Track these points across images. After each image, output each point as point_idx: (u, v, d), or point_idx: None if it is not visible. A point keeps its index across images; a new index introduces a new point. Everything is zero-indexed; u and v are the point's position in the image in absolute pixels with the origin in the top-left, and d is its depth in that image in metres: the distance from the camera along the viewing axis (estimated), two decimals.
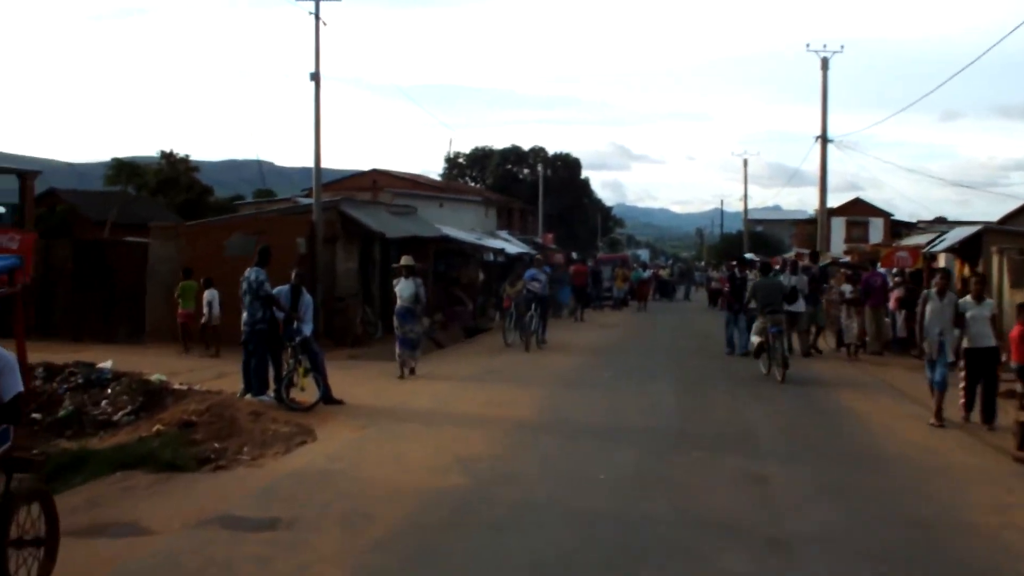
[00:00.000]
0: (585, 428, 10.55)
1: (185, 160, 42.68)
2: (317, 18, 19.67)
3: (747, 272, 19.73)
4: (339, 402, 11.74)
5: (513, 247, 29.58)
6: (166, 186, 40.23)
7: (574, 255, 42.62)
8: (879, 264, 22.72)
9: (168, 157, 42.21)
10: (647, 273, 43.77)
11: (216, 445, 9.24)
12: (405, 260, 14.63)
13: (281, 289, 11.97)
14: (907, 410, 12.13)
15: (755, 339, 15.52)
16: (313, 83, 19.90)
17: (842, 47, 39.34)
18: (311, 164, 19.91)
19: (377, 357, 17.00)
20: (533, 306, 18.87)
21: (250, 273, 11.70)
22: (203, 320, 17.72)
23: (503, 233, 34.20)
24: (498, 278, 27.00)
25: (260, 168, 32.09)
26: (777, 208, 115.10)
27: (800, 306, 17.06)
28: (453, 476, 8.06)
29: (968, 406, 10.98)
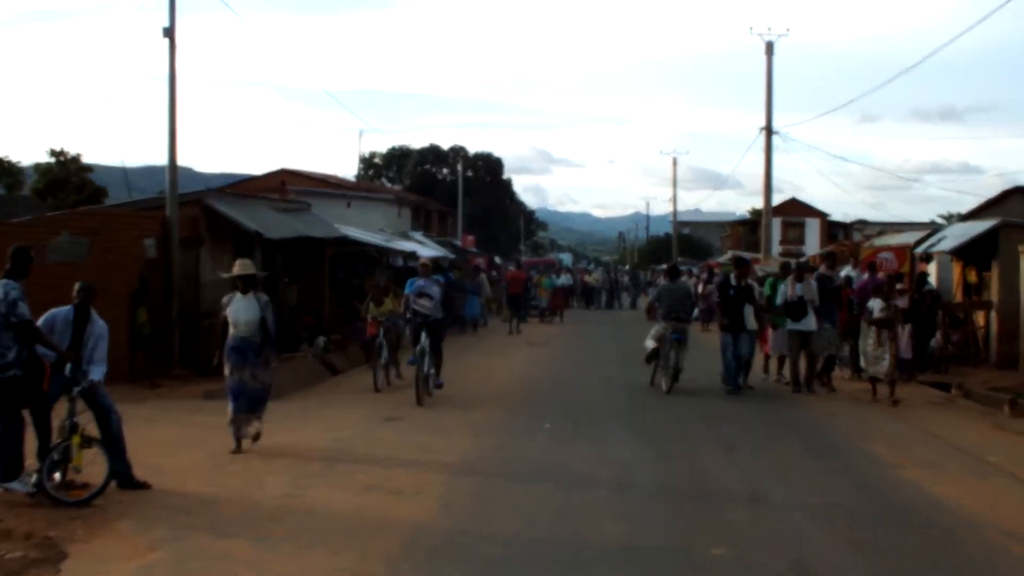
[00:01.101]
0: (518, 551, 6.11)
1: (76, 160, 38.02)
2: None
3: (743, 279, 14.03)
4: (142, 485, 7.59)
5: (428, 250, 25.60)
6: (54, 187, 35.53)
7: (496, 259, 38.91)
8: (861, 268, 19.50)
9: (58, 156, 37.43)
10: (562, 279, 40.14)
11: None
12: (240, 267, 9.47)
13: (55, 313, 7.78)
14: None
15: (649, 343, 14.01)
16: (167, 40, 15.65)
17: (788, 31, 36.79)
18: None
19: None
20: (423, 334, 12.62)
21: None
22: None
23: (417, 235, 30.18)
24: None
25: (125, 173, 26.99)
26: (698, 211, 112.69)
27: (810, 324, 13.42)
28: None
29: None
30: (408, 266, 22.47)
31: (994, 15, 18.23)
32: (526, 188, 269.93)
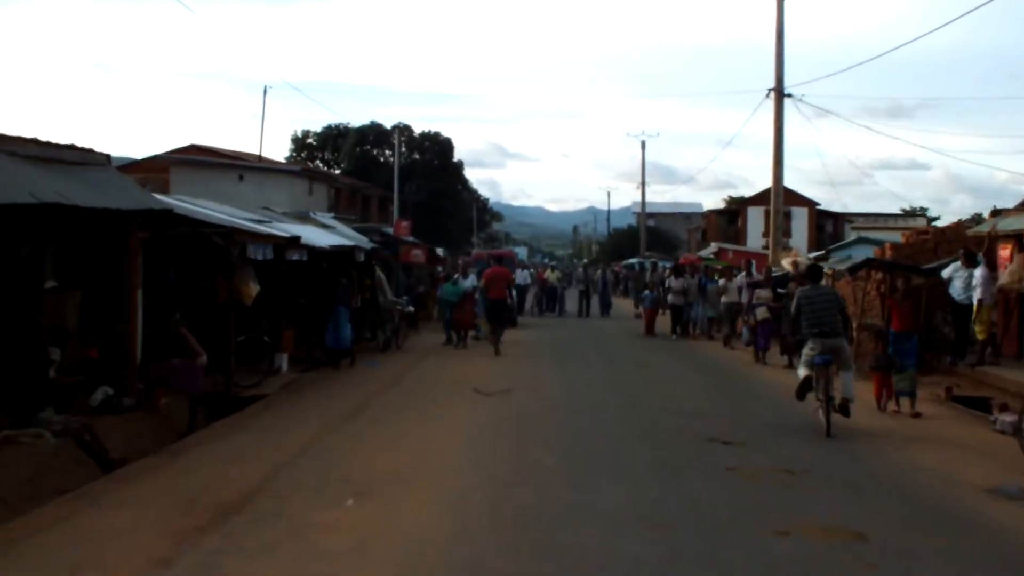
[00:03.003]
0: None
1: None
2: None
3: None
4: None
5: (338, 237, 17.72)
6: None
7: (439, 251, 31.14)
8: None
9: None
10: (526, 275, 32.11)
11: None
12: None
13: None
14: None
15: (800, 371, 10.35)
16: None
17: None
18: None
19: None
20: None
21: None
22: None
23: (325, 216, 22.29)
24: (299, 289, 15.27)
25: None
26: (653, 206, 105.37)
27: None
28: None
29: None
30: (302, 260, 14.60)
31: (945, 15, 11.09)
32: (480, 182, 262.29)
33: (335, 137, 65.17)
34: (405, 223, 29.00)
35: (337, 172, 61.06)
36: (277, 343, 13.94)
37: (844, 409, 9.71)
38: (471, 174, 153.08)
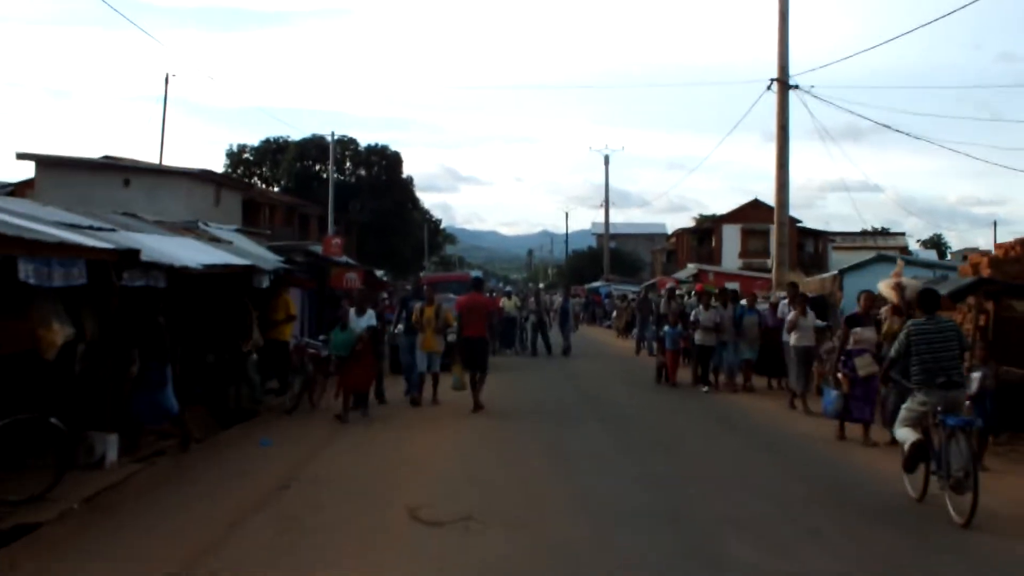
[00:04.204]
0: None
1: None
2: None
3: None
4: None
5: (229, 255, 12.59)
6: None
7: (380, 274, 26.06)
8: None
9: None
10: (451, 302, 26.53)
11: None
12: None
13: None
14: None
15: (903, 433, 7.74)
16: None
17: None
18: None
19: None
20: None
21: None
22: None
23: (223, 229, 17.02)
24: (148, 329, 10.08)
25: None
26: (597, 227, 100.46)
27: None
28: None
29: None
30: (149, 286, 9.46)
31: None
32: (434, 206, 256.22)
33: (274, 151, 59.80)
34: (337, 240, 23.87)
35: (276, 189, 55.80)
36: (104, 417, 8.84)
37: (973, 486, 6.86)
38: (424, 198, 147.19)
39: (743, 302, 16.24)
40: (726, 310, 15.82)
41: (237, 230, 18.37)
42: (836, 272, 27.47)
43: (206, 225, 16.21)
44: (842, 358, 9.67)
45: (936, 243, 79.99)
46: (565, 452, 10.10)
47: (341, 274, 22.59)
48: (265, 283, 13.60)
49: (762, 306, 16.54)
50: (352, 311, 13.16)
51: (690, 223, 71.86)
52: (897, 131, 36.99)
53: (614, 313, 36.79)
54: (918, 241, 79.63)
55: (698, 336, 15.89)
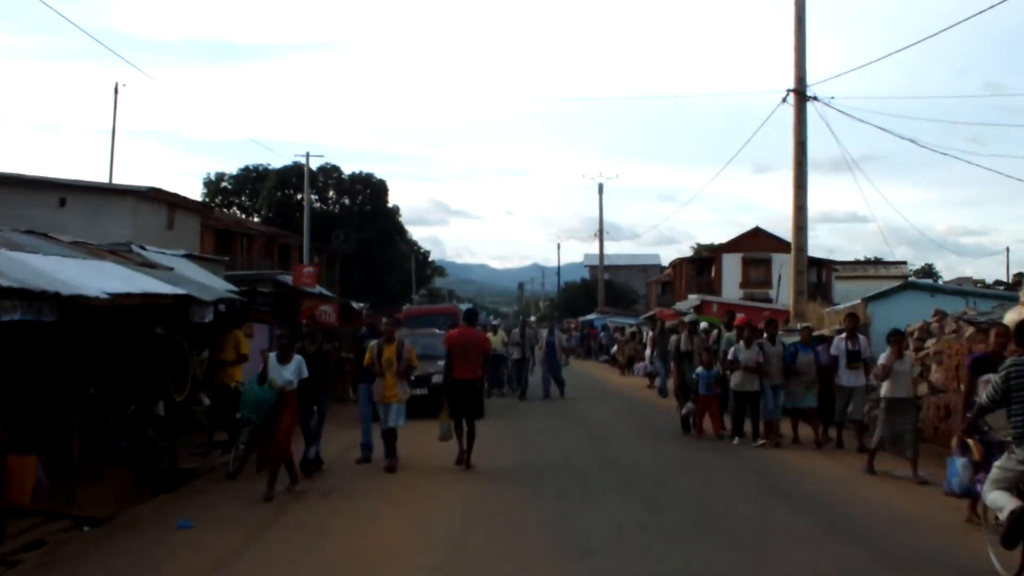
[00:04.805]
0: None
1: None
2: None
3: None
4: None
5: (154, 282, 10.11)
6: None
7: (359, 306, 23.59)
8: None
9: None
10: (437, 337, 23.32)
11: None
12: None
13: None
14: None
15: (996, 498, 6.32)
16: None
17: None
18: None
19: None
20: None
21: None
22: None
23: (167, 254, 14.44)
24: (33, 375, 7.64)
25: None
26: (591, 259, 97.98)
27: None
28: None
29: None
30: (23, 320, 7.04)
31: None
32: (423, 240, 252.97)
33: (254, 180, 57.49)
34: (309, 269, 21.46)
35: (256, 219, 53.47)
36: None
37: None
38: (414, 232, 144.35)
39: (780, 336, 13.71)
40: (774, 347, 13.12)
41: (188, 256, 15.92)
42: (857, 302, 25.22)
43: (143, 248, 13.78)
44: (968, 415, 7.20)
45: (928, 273, 78.21)
46: (583, 536, 7.63)
47: (314, 306, 20.21)
48: (208, 317, 11.17)
49: (790, 339, 14.11)
50: (273, 357, 9.93)
51: (680, 254, 69.79)
52: (922, 146, 35.00)
53: (614, 348, 34.14)
54: (911, 271, 78.00)
55: (736, 379, 13.01)
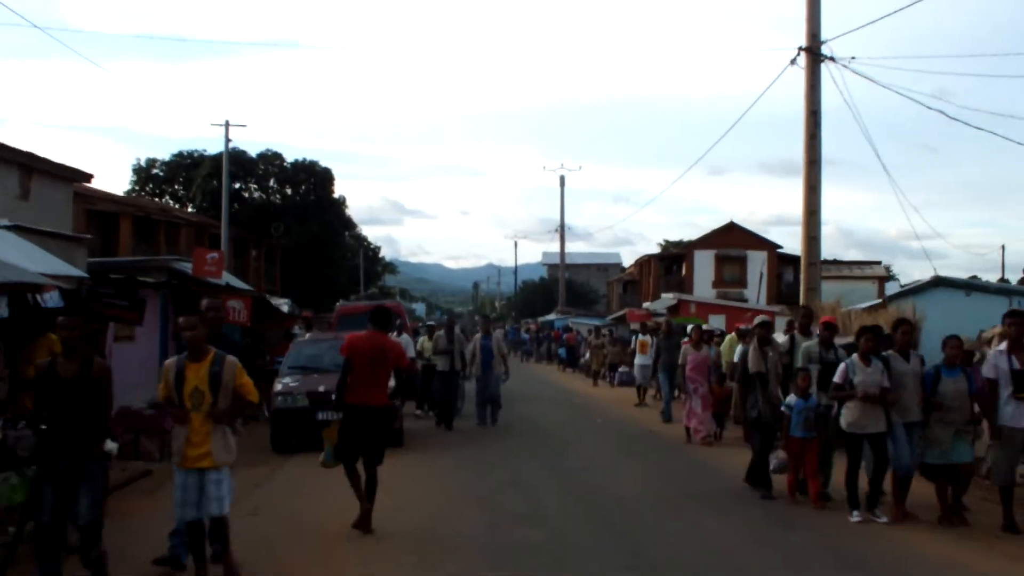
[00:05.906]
0: None
1: None
2: None
3: None
4: None
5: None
6: None
7: (282, 304, 19.57)
8: None
9: None
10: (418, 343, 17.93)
11: None
12: None
13: None
14: None
15: None
16: None
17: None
18: None
19: None
20: None
21: None
22: None
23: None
24: None
25: None
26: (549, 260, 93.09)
27: None
28: None
29: None
30: None
31: None
32: (377, 239, 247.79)
33: (187, 167, 52.78)
34: (213, 255, 17.29)
35: (191, 209, 48.86)
36: None
37: None
38: (368, 231, 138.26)
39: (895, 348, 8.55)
40: (908, 363, 8.34)
41: (15, 227, 11.70)
42: (879, 301, 21.91)
43: None
44: None
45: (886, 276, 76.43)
46: None
47: (222, 301, 16.12)
48: (2, 312, 7.19)
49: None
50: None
51: (637, 255, 66.44)
52: (954, 119, 30.36)
53: (586, 355, 29.96)
54: (889, 270, 75.92)
55: (852, 414, 8.32)
